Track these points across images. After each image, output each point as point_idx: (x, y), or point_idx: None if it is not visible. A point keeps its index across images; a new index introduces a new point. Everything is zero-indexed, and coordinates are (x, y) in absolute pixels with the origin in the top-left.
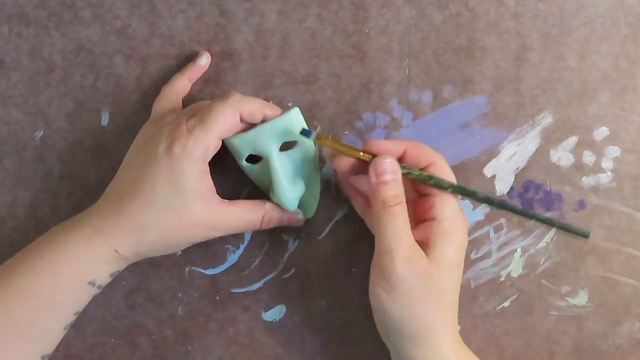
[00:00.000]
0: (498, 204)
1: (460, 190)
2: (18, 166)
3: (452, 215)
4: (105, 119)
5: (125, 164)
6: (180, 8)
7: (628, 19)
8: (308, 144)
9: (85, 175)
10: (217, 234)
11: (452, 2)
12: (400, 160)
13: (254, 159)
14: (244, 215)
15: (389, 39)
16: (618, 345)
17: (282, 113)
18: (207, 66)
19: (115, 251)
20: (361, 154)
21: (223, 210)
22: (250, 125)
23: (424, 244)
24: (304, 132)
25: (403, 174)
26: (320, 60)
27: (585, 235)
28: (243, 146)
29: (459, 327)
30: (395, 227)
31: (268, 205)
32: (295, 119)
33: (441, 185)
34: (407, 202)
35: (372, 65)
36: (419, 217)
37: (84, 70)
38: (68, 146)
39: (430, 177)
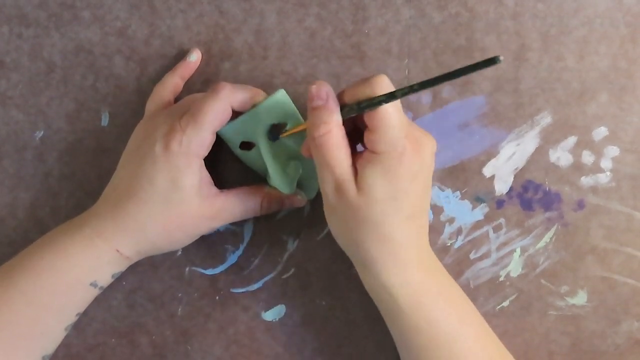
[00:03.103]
0: (418, 86)
1: (390, 97)
2: (18, 167)
3: (385, 149)
4: (105, 120)
5: (121, 164)
6: (180, 8)
7: (627, 19)
8: (298, 123)
9: (85, 175)
10: (219, 224)
11: (451, 2)
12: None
13: (248, 145)
14: (243, 202)
15: (388, 39)
16: (617, 345)
17: (268, 96)
18: (198, 63)
19: (117, 251)
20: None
21: (221, 200)
22: (238, 112)
23: (357, 174)
24: (271, 136)
25: (343, 113)
26: (320, 61)
27: (494, 62)
28: (234, 134)
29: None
30: (324, 157)
31: (266, 189)
32: (282, 101)
33: (373, 102)
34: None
35: (371, 65)
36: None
37: (83, 71)
38: (68, 146)
39: (360, 102)
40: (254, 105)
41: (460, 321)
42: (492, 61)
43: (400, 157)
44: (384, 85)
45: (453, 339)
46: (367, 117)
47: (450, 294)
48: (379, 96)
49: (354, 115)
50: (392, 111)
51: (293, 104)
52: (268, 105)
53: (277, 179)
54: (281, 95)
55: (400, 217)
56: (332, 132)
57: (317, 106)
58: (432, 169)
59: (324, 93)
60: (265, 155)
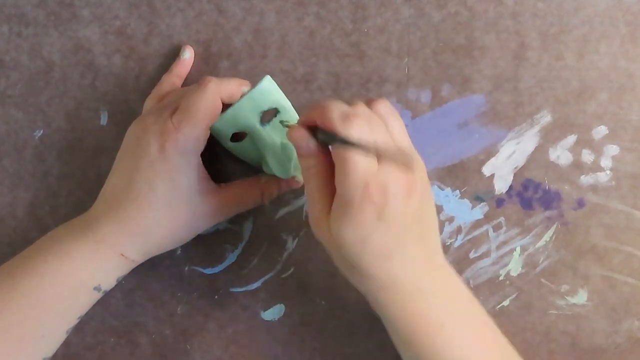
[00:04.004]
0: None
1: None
2: (18, 166)
3: (339, 184)
4: (104, 119)
5: (116, 167)
6: (179, 7)
7: (626, 18)
8: (288, 108)
9: (84, 174)
10: (220, 219)
11: (450, 1)
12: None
13: (239, 136)
14: (243, 195)
15: (388, 38)
16: (617, 344)
17: (254, 85)
18: (192, 59)
19: (122, 255)
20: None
21: (221, 196)
22: (226, 105)
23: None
24: (262, 122)
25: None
26: (319, 60)
27: None
28: (225, 127)
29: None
30: (309, 194)
31: (264, 179)
32: (269, 88)
33: (328, 138)
34: None
35: (370, 64)
36: None
37: (82, 70)
38: (67, 145)
39: (316, 132)
40: (242, 96)
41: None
42: None
43: (361, 203)
44: (336, 116)
45: None
46: (334, 153)
47: (462, 318)
48: (327, 133)
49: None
50: (349, 156)
51: (280, 90)
52: (256, 94)
53: (274, 165)
54: (268, 82)
55: (375, 258)
56: (316, 174)
57: (302, 153)
58: (414, 199)
59: (303, 140)
60: (260, 143)
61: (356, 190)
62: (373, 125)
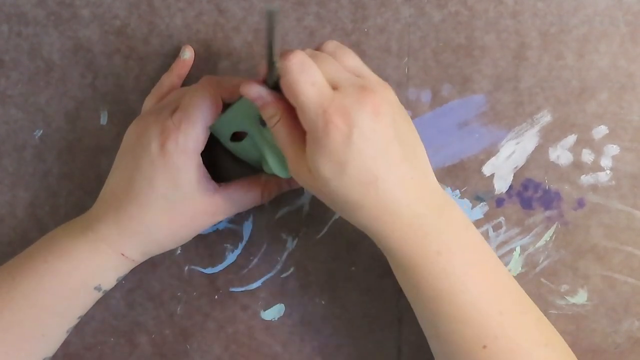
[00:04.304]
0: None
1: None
2: (17, 166)
3: (302, 119)
4: (104, 118)
5: (116, 166)
6: (179, 7)
7: (627, 18)
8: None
9: (84, 174)
10: (221, 218)
11: (450, 0)
12: None
13: (239, 136)
14: (243, 195)
15: (388, 37)
16: (617, 344)
17: None
18: (192, 59)
19: (122, 255)
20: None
21: (221, 195)
22: (226, 104)
23: None
24: (262, 121)
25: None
26: None
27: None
28: (225, 127)
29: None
30: (281, 144)
31: (264, 178)
32: None
33: (272, 67)
34: None
35: (370, 64)
36: None
37: (82, 70)
38: (67, 145)
39: (272, 67)
40: (241, 95)
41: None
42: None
43: (325, 130)
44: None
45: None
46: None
47: (459, 246)
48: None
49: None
50: (298, 89)
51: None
52: None
53: (274, 164)
54: None
55: (360, 185)
56: (282, 121)
57: (260, 104)
58: (383, 118)
59: (255, 92)
60: (260, 142)
61: (317, 119)
62: (318, 60)
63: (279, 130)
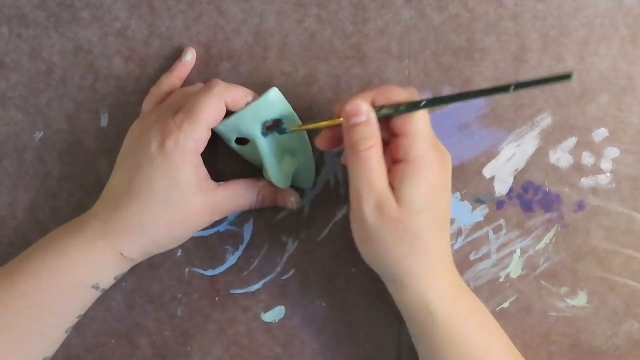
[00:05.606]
0: (471, 94)
1: (433, 102)
2: (18, 167)
3: (419, 154)
4: (104, 120)
5: (118, 166)
6: (179, 9)
7: (627, 20)
8: (292, 119)
9: (85, 176)
10: (219, 217)
11: (451, 3)
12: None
13: (243, 140)
14: (241, 195)
15: (388, 39)
16: (617, 346)
17: (261, 95)
18: (194, 62)
19: (121, 254)
20: (335, 120)
21: (220, 194)
22: (230, 111)
23: (394, 187)
24: (279, 130)
25: (378, 114)
26: (320, 61)
27: (567, 77)
28: (228, 131)
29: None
30: (365, 173)
31: (261, 182)
32: (275, 99)
33: (414, 106)
34: (384, 145)
35: (371, 66)
36: (395, 159)
37: (83, 71)
38: (68, 147)
39: (399, 105)
40: (246, 105)
41: (490, 335)
42: (564, 77)
43: (431, 165)
44: (416, 93)
45: (485, 353)
46: (401, 123)
47: (478, 308)
48: (420, 100)
49: (385, 117)
50: (426, 118)
51: (286, 101)
52: (260, 104)
53: (273, 174)
54: (274, 93)
55: (436, 228)
56: (375, 148)
57: (359, 122)
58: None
59: (364, 109)
60: (261, 152)
61: (429, 149)
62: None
63: (371, 154)
